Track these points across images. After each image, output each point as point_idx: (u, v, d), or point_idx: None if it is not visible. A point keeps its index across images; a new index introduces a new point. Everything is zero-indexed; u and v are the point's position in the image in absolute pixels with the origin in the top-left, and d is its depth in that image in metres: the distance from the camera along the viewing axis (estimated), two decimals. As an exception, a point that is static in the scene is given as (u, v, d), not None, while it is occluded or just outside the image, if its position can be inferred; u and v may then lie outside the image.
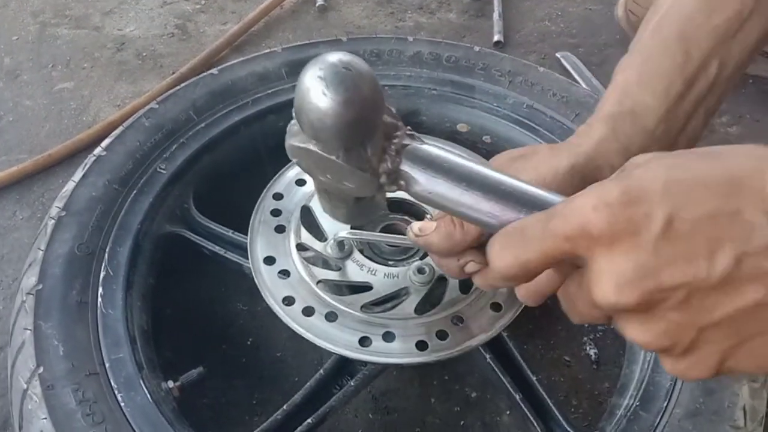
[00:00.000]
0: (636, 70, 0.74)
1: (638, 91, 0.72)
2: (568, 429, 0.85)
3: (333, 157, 0.54)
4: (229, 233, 0.98)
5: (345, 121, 0.51)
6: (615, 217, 0.41)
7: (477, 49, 1.20)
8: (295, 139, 0.56)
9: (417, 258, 0.92)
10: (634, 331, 0.44)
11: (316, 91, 0.51)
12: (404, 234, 0.94)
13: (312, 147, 0.55)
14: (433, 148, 0.56)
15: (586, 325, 1.07)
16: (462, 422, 0.97)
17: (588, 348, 1.05)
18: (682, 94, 0.71)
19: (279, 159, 1.02)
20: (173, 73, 1.44)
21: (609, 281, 0.42)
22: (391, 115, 0.56)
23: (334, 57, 0.51)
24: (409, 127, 0.57)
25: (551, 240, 0.45)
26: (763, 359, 0.43)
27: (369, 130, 0.54)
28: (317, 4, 1.61)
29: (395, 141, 0.55)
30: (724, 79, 0.72)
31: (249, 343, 1.04)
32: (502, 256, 0.48)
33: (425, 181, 0.54)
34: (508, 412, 0.97)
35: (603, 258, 0.42)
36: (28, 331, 0.82)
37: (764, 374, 0.45)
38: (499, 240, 0.49)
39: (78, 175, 0.98)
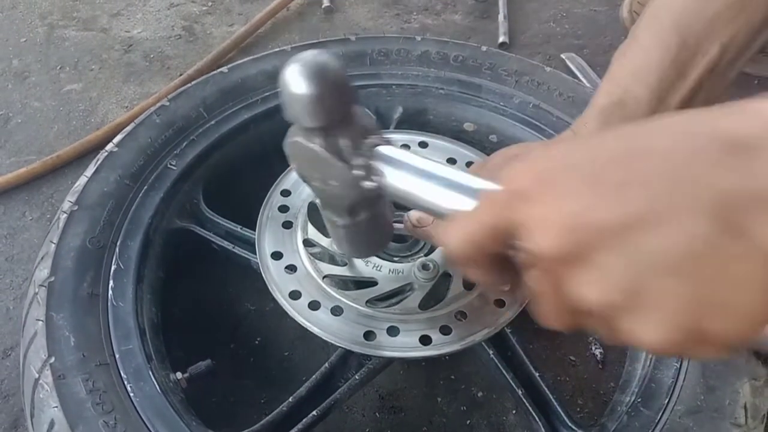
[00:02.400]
0: (629, 60, 0.73)
1: (630, 81, 0.72)
2: (571, 425, 0.85)
3: (313, 145, 0.60)
4: (238, 229, 0.99)
5: (314, 97, 0.58)
6: (539, 172, 0.43)
7: (484, 48, 1.21)
8: (288, 138, 0.64)
9: (422, 254, 0.93)
10: (582, 288, 0.41)
11: (291, 77, 0.58)
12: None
13: (299, 138, 0.61)
14: (400, 150, 0.62)
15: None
16: (468, 421, 0.98)
17: (593, 348, 1.05)
18: (675, 84, 0.70)
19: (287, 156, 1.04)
20: (180, 74, 1.45)
21: (544, 228, 0.41)
22: (367, 117, 0.63)
23: (307, 53, 0.60)
24: (384, 133, 0.65)
25: (490, 206, 0.46)
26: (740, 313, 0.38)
27: (340, 115, 0.60)
28: (323, 6, 1.62)
29: (369, 140, 0.61)
30: (729, 62, 0.70)
31: (257, 342, 1.05)
32: (451, 232, 0.49)
33: (392, 175, 0.60)
34: (514, 412, 0.98)
35: (536, 211, 0.42)
36: (40, 322, 0.84)
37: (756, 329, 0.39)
38: (448, 222, 0.51)
39: (90, 170, 0.99)
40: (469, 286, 0.90)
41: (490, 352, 0.89)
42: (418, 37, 1.22)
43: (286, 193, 0.98)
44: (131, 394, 0.80)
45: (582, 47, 1.54)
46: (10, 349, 1.03)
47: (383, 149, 0.61)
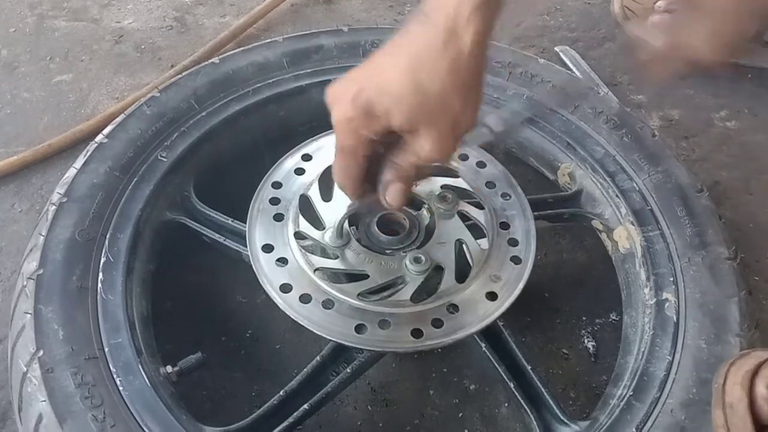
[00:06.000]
0: None
1: None
2: (563, 418, 0.86)
3: None
4: (229, 221, 0.98)
5: None
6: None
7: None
8: None
9: (414, 247, 0.92)
10: None
11: None
12: (402, 223, 0.96)
13: None
14: None
15: (584, 318, 1.08)
16: (460, 414, 0.98)
17: (586, 341, 1.05)
18: None
19: (278, 148, 1.03)
20: (172, 66, 1.44)
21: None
22: None
23: None
24: None
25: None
26: None
27: None
28: None
29: None
30: None
31: (248, 335, 1.04)
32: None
33: None
34: (506, 405, 0.98)
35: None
36: (29, 315, 0.83)
37: None
38: None
39: (79, 161, 0.99)
40: (461, 279, 0.90)
41: (483, 344, 0.89)
42: (412, 28, 1.21)
43: (277, 185, 0.97)
44: (120, 388, 0.79)
45: (575, 40, 1.54)
46: (0, 342, 1.02)
47: None
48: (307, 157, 1.01)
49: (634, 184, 1.04)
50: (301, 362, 0.95)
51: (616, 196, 1.04)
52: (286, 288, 0.87)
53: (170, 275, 1.04)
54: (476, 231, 0.95)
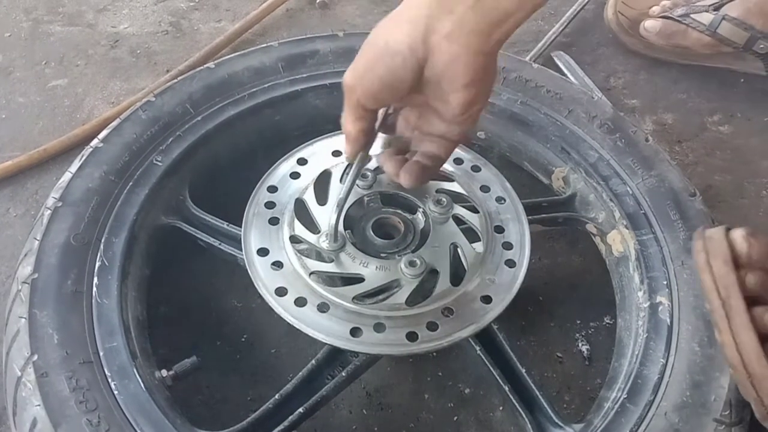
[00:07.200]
0: None
1: None
2: (556, 420, 0.86)
3: None
4: (224, 225, 0.98)
5: None
6: None
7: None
8: None
9: (409, 251, 0.93)
10: None
11: None
12: (397, 227, 0.96)
13: None
14: None
15: (579, 322, 1.08)
16: (456, 418, 0.98)
17: (580, 344, 1.06)
18: None
19: (274, 152, 1.03)
20: (168, 71, 1.44)
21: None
22: None
23: None
24: None
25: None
26: None
27: None
28: (318, 0, 1.62)
29: None
30: None
31: (244, 339, 1.04)
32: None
33: None
34: (501, 408, 0.98)
35: None
36: (23, 320, 0.83)
37: None
38: None
39: (75, 166, 0.99)
40: (456, 282, 0.90)
41: (477, 348, 0.90)
42: (406, 34, 1.22)
43: (272, 189, 0.98)
44: (115, 392, 0.79)
45: (570, 45, 1.55)
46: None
47: None
48: (302, 161, 1.01)
49: (628, 188, 1.05)
50: (296, 366, 0.95)
51: (610, 200, 1.05)
52: (281, 292, 0.87)
53: (165, 279, 1.04)
54: (471, 235, 0.95)
